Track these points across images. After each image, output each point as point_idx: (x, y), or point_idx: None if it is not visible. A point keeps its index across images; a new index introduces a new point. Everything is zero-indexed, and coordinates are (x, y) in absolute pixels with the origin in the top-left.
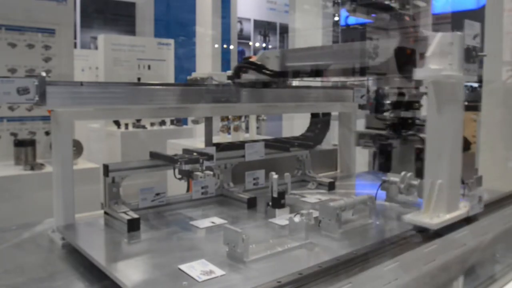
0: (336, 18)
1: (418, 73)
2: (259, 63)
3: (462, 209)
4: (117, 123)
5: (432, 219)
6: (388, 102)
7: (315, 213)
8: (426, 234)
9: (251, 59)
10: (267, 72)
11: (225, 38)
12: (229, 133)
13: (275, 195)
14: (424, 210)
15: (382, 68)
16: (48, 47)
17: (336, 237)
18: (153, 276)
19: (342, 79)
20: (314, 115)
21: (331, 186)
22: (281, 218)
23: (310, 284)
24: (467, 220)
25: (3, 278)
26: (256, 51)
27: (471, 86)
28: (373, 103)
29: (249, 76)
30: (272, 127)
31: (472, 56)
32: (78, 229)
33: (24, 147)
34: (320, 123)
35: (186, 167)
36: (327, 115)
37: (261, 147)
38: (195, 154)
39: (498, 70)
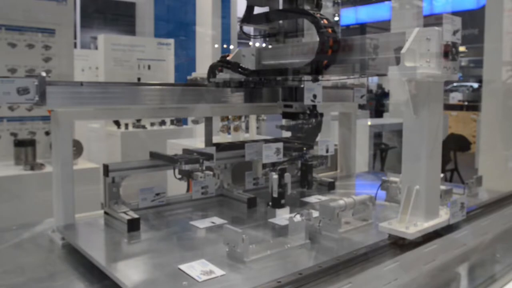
0: (336, 18)
1: (393, 71)
2: (234, 61)
3: (443, 217)
4: (117, 123)
5: (409, 228)
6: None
7: (315, 213)
8: (426, 234)
9: (228, 58)
10: (242, 71)
11: (225, 38)
12: (229, 133)
13: (275, 195)
14: (400, 218)
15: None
16: (48, 47)
17: (336, 237)
18: (153, 276)
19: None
20: None
21: (331, 186)
22: (281, 218)
23: (310, 284)
24: (467, 220)
25: (3, 278)
26: None
27: (471, 86)
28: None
29: (225, 75)
30: (272, 127)
31: (451, 53)
32: (78, 229)
33: (24, 147)
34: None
35: (186, 167)
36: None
37: (261, 147)
38: (195, 154)
39: (498, 70)
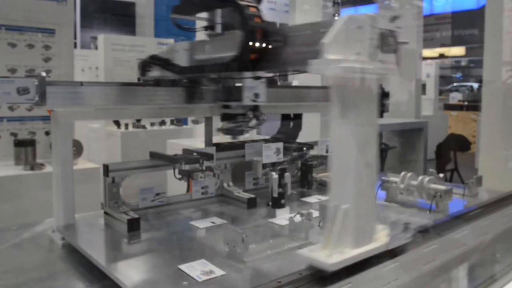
0: (336, 18)
1: (313, 66)
2: (164, 57)
3: (380, 240)
4: (117, 123)
5: (331, 256)
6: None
7: (315, 213)
8: (426, 234)
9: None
10: (172, 68)
11: None
12: None
13: (275, 195)
14: (325, 243)
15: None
16: (48, 47)
17: None
18: (153, 276)
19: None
20: (284, 116)
21: None
22: (281, 218)
23: (310, 284)
24: (467, 220)
25: (3, 278)
26: None
27: (471, 86)
28: None
29: (156, 72)
30: (272, 127)
31: (388, 43)
32: (78, 229)
33: (24, 147)
34: (291, 124)
35: (186, 167)
36: (299, 116)
37: (261, 147)
38: (195, 154)
39: (498, 70)
